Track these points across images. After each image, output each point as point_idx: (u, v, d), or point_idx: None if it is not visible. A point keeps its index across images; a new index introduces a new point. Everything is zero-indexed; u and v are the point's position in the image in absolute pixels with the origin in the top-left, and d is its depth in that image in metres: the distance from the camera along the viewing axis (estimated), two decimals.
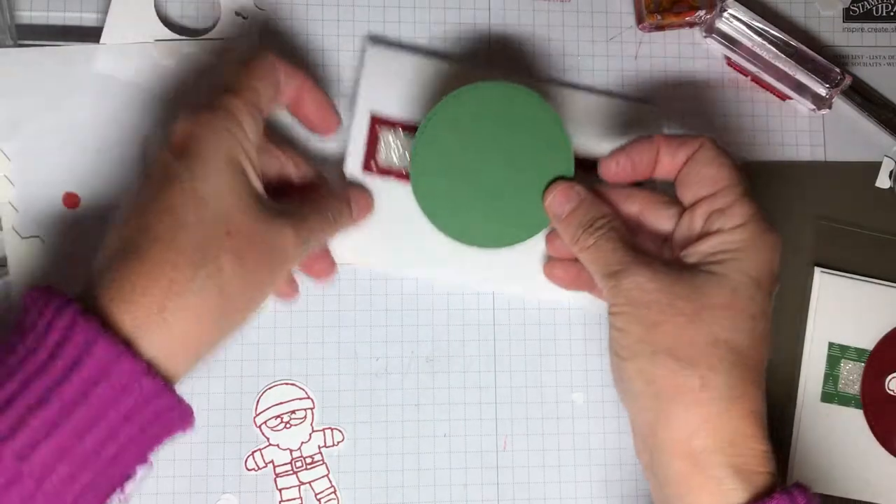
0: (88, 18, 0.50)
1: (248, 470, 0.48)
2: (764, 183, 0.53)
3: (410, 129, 0.49)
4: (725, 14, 0.52)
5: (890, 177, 0.53)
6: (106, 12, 0.49)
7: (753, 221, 0.41)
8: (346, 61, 0.51)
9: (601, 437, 0.50)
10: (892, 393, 0.51)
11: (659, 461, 0.40)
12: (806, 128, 0.54)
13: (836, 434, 0.51)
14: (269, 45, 0.50)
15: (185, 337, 0.37)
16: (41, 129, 0.48)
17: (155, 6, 0.50)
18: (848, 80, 0.52)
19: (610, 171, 0.44)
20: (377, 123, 0.49)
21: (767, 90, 0.53)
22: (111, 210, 0.48)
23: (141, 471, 0.38)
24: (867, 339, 0.51)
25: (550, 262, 0.49)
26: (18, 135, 0.48)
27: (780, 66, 0.52)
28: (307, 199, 0.45)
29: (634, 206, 0.46)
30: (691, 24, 0.53)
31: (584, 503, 0.50)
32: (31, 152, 0.48)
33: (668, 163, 0.44)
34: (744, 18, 0.52)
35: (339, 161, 0.50)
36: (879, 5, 0.55)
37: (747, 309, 0.40)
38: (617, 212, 0.45)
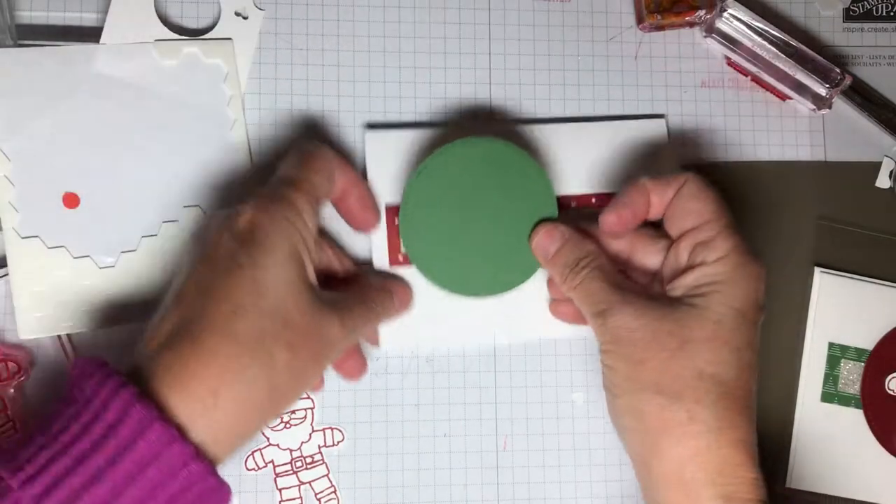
0: (88, 18, 0.50)
1: (248, 470, 0.48)
2: (764, 183, 0.53)
3: None
4: (725, 14, 0.52)
5: (890, 177, 0.53)
6: (106, 12, 0.49)
7: (735, 253, 0.42)
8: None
9: (601, 437, 0.50)
10: (892, 393, 0.51)
11: (653, 490, 0.42)
12: (806, 128, 0.54)
13: (836, 434, 0.51)
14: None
15: (232, 424, 0.38)
16: (41, 129, 0.48)
17: (155, 6, 0.50)
18: (848, 80, 0.52)
19: (612, 224, 0.45)
20: (394, 215, 0.49)
21: (767, 90, 0.54)
22: (111, 211, 0.48)
23: None
24: (867, 339, 0.51)
25: (554, 301, 0.50)
26: (18, 135, 0.48)
27: (780, 66, 0.52)
28: (351, 290, 0.46)
29: (623, 242, 0.47)
30: (691, 24, 0.53)
31: (584, 503, 0.50)
32: (30, 152, 0.48)
33: (657, 202, 0.45)
34: (744, 18, 0.52)
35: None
36: (879, 5, 0.55)
37: (731, 341, 0.41)
38: (604, 248, 0.46)
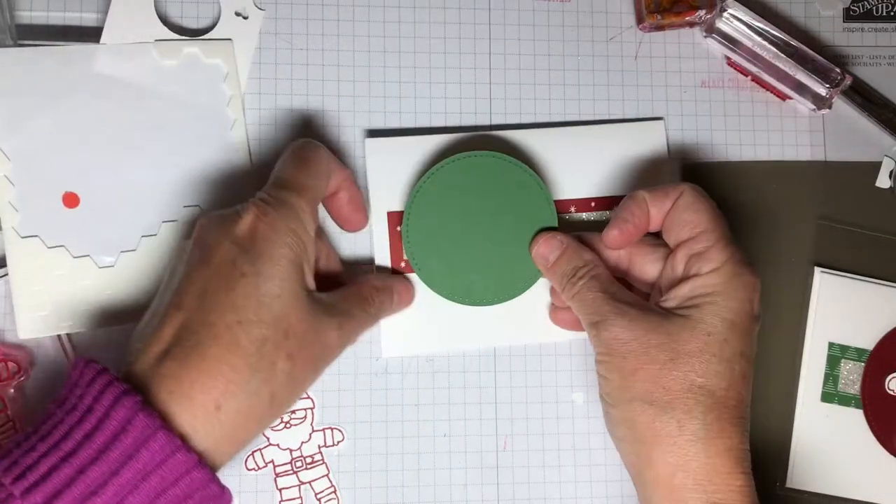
0: (88, 18, 0.50)
1: (248, 470, 0.48)
2: (764, 183, 0.53)
3: None
4: (725, 14, 0.52)
5: (890, 177, 0.53)
6: (106, 12, 0.49)
7: (729, 265, 0.43)
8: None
9: (601, 437, 0.50)
10: (892, 393, 0.51)
11: (646, 496, 0.43)
12: (806, 128, 0.54)
13: (836, 434, 0.51)
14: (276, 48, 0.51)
15: (233, 433, 0.39)
16: (41, 128, 0.48)
17: (155, 6, 0.50)
18: (848, 80, 0.52)
19: (615, 239, 0.45)
20: (395, 222, 0.50)
21: (767, 90, 0.53)
22: (111, 211, 0.48)
23: None
24: (867, 339, 0.51)
25: (554, 308, 0.50)
26: (18, 134, 0.48)
27: (780, 66, 0.52)
28: (351, 291, 0.46)
29: (622, 251, 0.47)
30: (691, 24, 0.53)
31: (584, 503, 0.50)
32: (30, 152, 0.48)
33: (656, 214, 0.45)
34: (744, 18, 0.52)
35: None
36: (879, 5, 0.55)
37: (721, 353, 0.42)
38: (603, 257, 0.46)
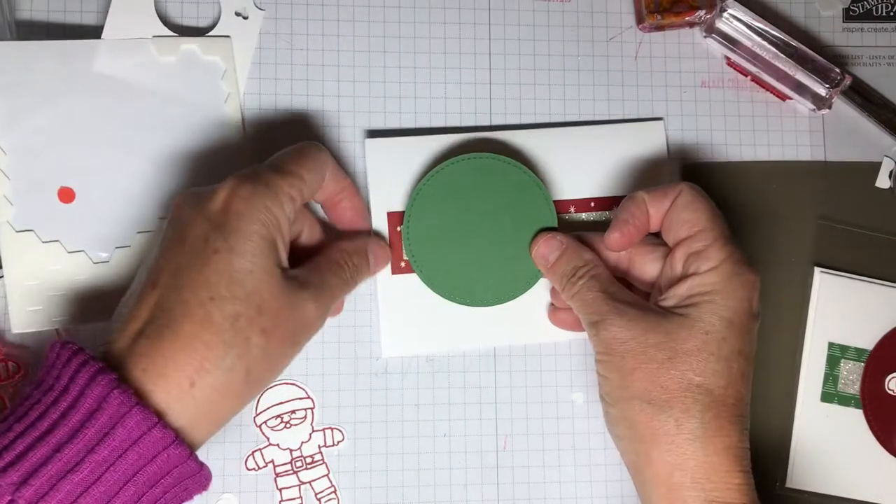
0: (89, 18, 0.50)
1: (248, 470, 0.48)
2: (764, 183, 0.53)
3: None
4: (725, 14, 0.52)
5: (890, 177, 0.53)
6: (106, 12, 0.49)
7: (728, 263, 0.43)
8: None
9: (601, 437, 0.50)
10: (891, 393, 0.51)
11: (645, 494, 0.43)
12: (806, 128, 0.54)
13: (835, 434, 0.51)
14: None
15: (210, 409, 0.39)
16: (38, 123, 0.48)
17: (155, 6, 0.50)
18: (848, 80, 0.52)
19: (616, 241, 0.46)
20: (396, 223, 0.50)
21: (767, 90, 0.54)
22: (106, 206, 0.48)
23: None
24: (867, 339, 0.51)
25: (553, 308, 0.50)
26: (15, 129, 0.48)
27: (780, 66, 0.52)
28: (324, 259, 0.45)
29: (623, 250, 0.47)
30: (691, 24, 0.53)
31: (584, 503, 0.50)
32: (27, 147, 0.48)
33: (655, 214, 0.46)
34: (744, 18, 0.52)
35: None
36: (879, 5, 0.55)
37: (719, 351, 0.42)
38: (603, 257, 0.47)
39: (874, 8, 0.55)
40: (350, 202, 0.48)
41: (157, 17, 0.50)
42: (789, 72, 0.52)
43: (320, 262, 0.45)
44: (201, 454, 0.39)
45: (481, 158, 0.48)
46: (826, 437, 0.51)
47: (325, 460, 0.49)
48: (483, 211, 0.48)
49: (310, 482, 0.48)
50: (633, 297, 0.45)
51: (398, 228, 0.49)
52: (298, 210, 0.43)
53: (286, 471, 0.48)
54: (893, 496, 0.51)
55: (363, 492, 0.49)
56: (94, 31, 0.49)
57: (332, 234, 0.49)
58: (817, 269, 0.52)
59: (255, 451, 0.48)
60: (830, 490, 0.50)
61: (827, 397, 0.51)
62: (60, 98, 0.48)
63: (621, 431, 0.44)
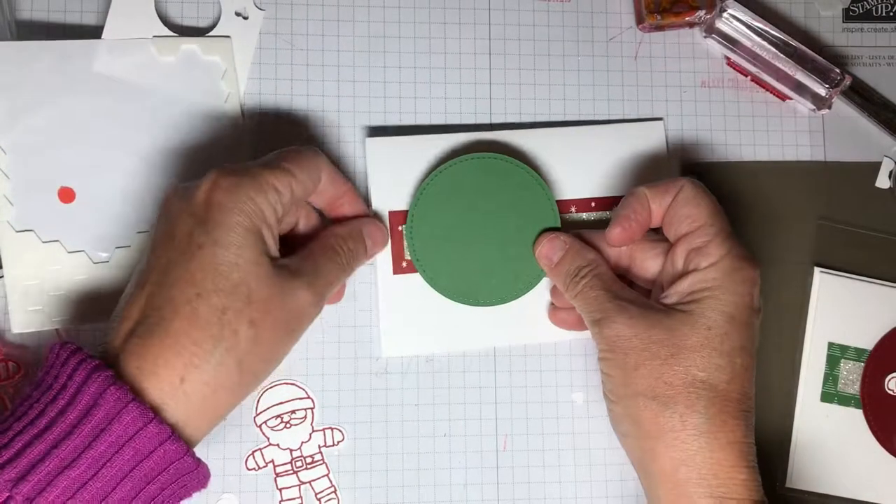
0: (89, 18, 0.50)
1: (249, 469, 0.48)
2: (764, 183, 0.53)
3: None
4: (725, 14, 0.52)
5: (890, 177, 0.53)
6: (106, 12, 0.49)
7: (728, 259, 0.43)
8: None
9: (601, 437, 0.50)
10: (891, 393, 0.51)
11: (651, 490, 0.44)
12: (806, 128, 0.54)
13: (835, 434, 0.51)
14: (269, 41, 0.51)
15: (203, 405, 0.39)
16: (38, 123, 0.48)
17: (155, 6, 0.50)
18: (848, 80, 0.52)
19: (618, 237, 0.46)
20: (397, 222, 0.50)
21: (767, 90, 0.54)
22: (106, 206, 0.48)
23: None
24: (867, 339, 0.51)
25: (553, 308, 0.50)
26: (15, 128, 0.48)
27: (780, 66, 0.52)
28: (318, 245, 0.45)
29: (623, 248, 0.47)
30: (691, 24, 0.53)
31: (584, 503, 0.50)
32: (27, 146, 0.48)
33: (657, 210, 0.46)
34: (744, 18, 0.52)
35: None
36: (879, 5, 0.55)
37: (721, 347, 0.42)
38: (605, 256, 0.47)
39: (874, 8, 0.55)
40: (351, 207, 0.47)
41: (157, 17, 0.50)
42: (789, 72, 0.52)
43: (314, 249, 0.44)
44: (201, 454, 0.40)
45: (485, 158, 0.48)
46: (826, 437, 0.51)
47: (325, 460, 0.49)
48: (487, 211, 0.48)
49: (310, 482, 0.48)
50: (636, 294, 0.45)
51: (399, 228, 0.49)
52: (288, 203, 0.42)
53: (286, 471, 0.48)
54: (893, 496, 0.51)
55: (363, 492, 0.49)
56: (94, 31, 0.49)
57: (330, 223, 0.48)
58: (817, 269, 0.52)
59: (255, 451, 0.48)
60: (830, 490, 0.50)
61: (827, 397, 0.51)
62: (60, 98, 0.48)
63: (626, 428, 0.44)
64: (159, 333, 0.38)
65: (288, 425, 0.49)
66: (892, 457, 0.51)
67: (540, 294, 0.50)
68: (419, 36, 0.52)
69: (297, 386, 0.49)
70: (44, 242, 0.48)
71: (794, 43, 0.52)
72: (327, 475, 0.49)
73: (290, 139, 0.50)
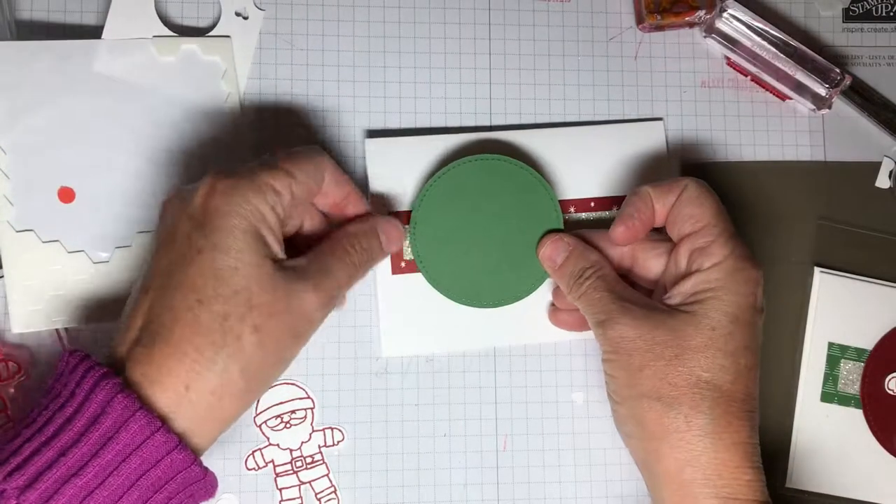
0: (89, 18, 0.50)
1: (248, 469, 0.48)
2: (764, 183, 0.53)
3: None
4: (725, 14, 0.52)
5: (890, 177, 0.53)
6: (106, 12, 0.49)
7: (731, 259, 0.43)
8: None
9: (601, 437, 0.50)
10: (891, 393, 0.51)
11: (656, 491, 0.44)
12: (806, 128, 0.54)
13: (835, 434, 0.51)
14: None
15: (209, 413, 0.38)
16: (38, 123, 0.48)
17: (155, 6, 0.50)
18: (848, 80, 0.52)
19: (622, 235, 0.46)
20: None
21: (767, 90, 0.54)
22: (106, 206, 0.48)
23: None
24: (867, 339, 0.51)
25: (554, 309, 0.50)
26: (15, 128, 0.48)
27: (780, 66, 0.52)
28: (329, 243, 0.44)
29: (626, 248, 0.47)
30: (691, 24, 0.53)
31: (584, 503, 0.50)
32: (27, 146, 0.48)
33: (660, 209, 0.46)
34: (744, 18, 0.52)
35: None
36: (879, 5, 0.55)
37: (725, 347, 0.42)
38: (608, 256, 0.47)
39: (874, 8, 0.55)
40: (355, 208, 0.46)
41: (157, 17, 0.50)
42: (789, 72, 0.52)
43: (323, 249, 0.43)
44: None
45: (488, 160, 0.48)
46: (826, 437, 0.51)
47: (325, 460, 0.49)
48: (490, 213, 0.48)
49: (310, 482, 0.48)
50: (639, 296, 0.45)
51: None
52: (288, 205, 0.41)
53: (286, 471, 0.48)
54: (893, 496, 0.51)
55: (363, 492, 0.49)
56: (94, 31, 0.49)
57: (336, 227, 0.47)
58: (817, 269, 0.52)
59: (255, 450, 0.48)
60: (830, 490, 0.50)
61: (827, 397, 0.51)
62: (60, 98, 0.48)
63: (630, 429, 0.44)
64: (160, 342, 0.38)
65: (288, 425, 0.49)
66: (892, 457, 0.51)
67: (540, 294, 0.50)
68: (419, 36, 0.52)
69: (297, 386, 0.49)
70: (44, 242, 0.48)
71: (794, 43, 0.52)
72: (327, 475, 0.49)
73: (290, 139, 0.50)
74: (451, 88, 0.52)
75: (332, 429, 0.49)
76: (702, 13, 0.52)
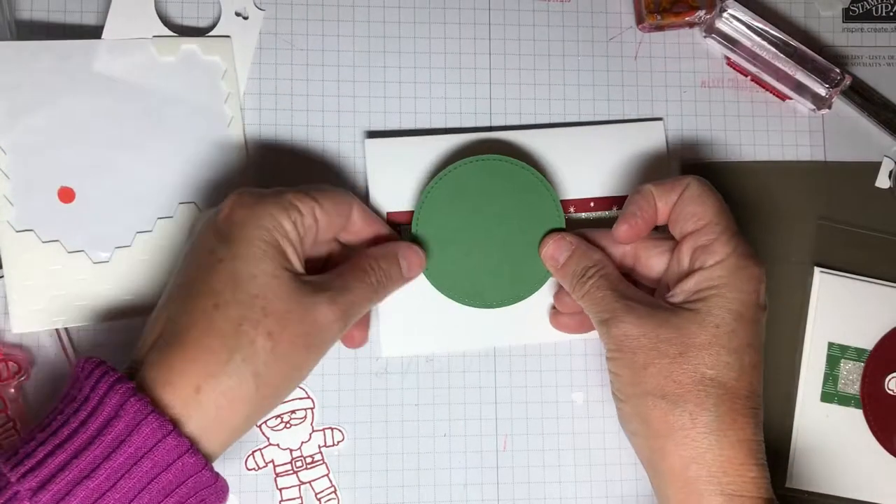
0: (89, 18, 0.50)
1: (248, 470, 0.48)
2: (764, 183, 0.53)
3: None
4: (725, 14, 0.52)
5: (890, 177, 0.53)
6: (106, 12, 0.49)
7: (734, 257, 0.43)
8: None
9: (601, 437, 0.50)
10: (891, 393, 0.51)
11: (661, 489, 0.43)
12: (806, 128, 0.54)
13: (835, 434, 0.51)
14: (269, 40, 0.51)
15: (219, 415, 0.39)
16: (38, 123, 0.48)
17: (155, 6, 0.50)
18: (847, 80, 0.52)
19: (624, 234, 0.46)
20: (396, 223, 0.50)
21: (767, 90, 0.54)
22: (106, 206, 0.48)
23: None
24: (867, 339, 0.51)
25: (555, 312, 0.50)
26: (15, 128, 0.48)
27: (780, 66, 0.52)
28: (350, 263, 0.45)
29: (628, 247, 0.47)
30: (691, 24, 0.53)
31: (584, 503, 0.50)
32: (27, 146, 0.48)
33: (663, 207, 0.46)
34: (744, 18, 0.52)
35: None
36: (879, 5, 0.55)
37: (729, 344, 0.42)
38: (610, 255, 0.47)
39: (874, 8, 0.55)
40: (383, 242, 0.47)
41: (157, 17, 0.50)
42: (789, 72, 0.52)
43: (344, 268, 0.44)
44: None
45: (490, 160, 0.48)
46: (826, 437, 0.51)
47: (325, 460, 0.49)
48: (491, 213, 0.48)
49: (310, 482, 0.48)
50: (643, 294, 0.45)
51: (399, 228, 0.49)
52: (311, 225, 0.42)
53: (286, 471, 0.48)
54: (893, 496, 0.51)
55: (363, 492, 0.49)
56: (94, 31, 0.49)
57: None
58: (817, 269, 0.52)
59: (255, 450, 0.48)
60: (830, 490, 0.50)
61: (827, 397, 0.51)
62: (60, 98, 0.48)
63: (635, 427, 0.44)
64: (176, 345, 0.38)
65: (288, 425, 0.49)
66: (892, 457, 0.51)
67: (540, 295, 0.50)
68: (419, 36, 0.52)
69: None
70: (44, 242, 0.48)
71: (794, 43, 0.52)
72: (327, 475, 0.49)
73: (290, 139, 0.50)
74: (451, 88, 0.52)
75: (332, 429, 0.49)
76: (702, 13, 0.52)
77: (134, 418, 0.36)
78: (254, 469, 0.48)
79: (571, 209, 0.51)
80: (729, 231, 0.44)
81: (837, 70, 0.52)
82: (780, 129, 0.54)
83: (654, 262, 0.47)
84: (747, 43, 0.52)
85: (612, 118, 0.53)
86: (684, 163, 0.53)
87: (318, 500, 0.48)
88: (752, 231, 0.52)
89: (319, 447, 0.49)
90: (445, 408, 0.50)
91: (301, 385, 0.49)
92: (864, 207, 0.53)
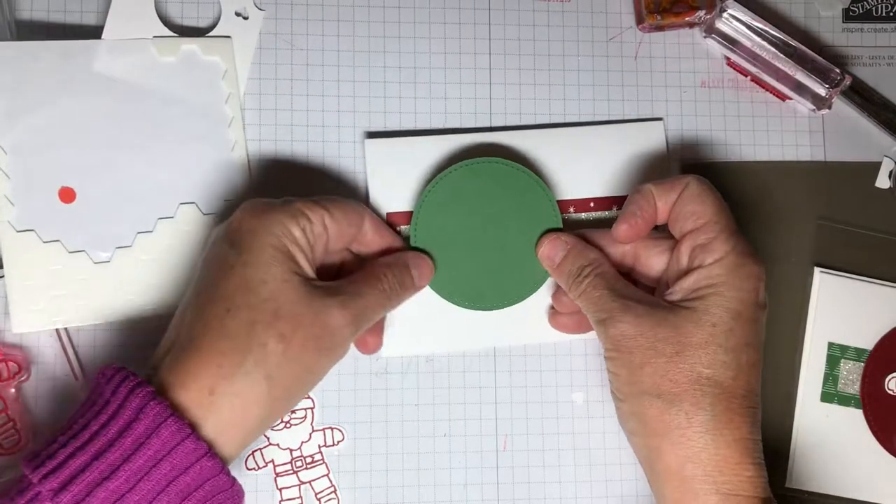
0: (89, 18, 0.50)
1: (248, 469, 0.48)
2: (764, 183, 0.53)
3: None
4: (725, 14, 0.52)
5: (890, 177, 0.53)
6: (106, 12, 0.49)
7: (733, 255, 0.43)
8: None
9: (601, 437, 0.50)
10: (891, 393, 0.51)
11: (657, 488, 0.44)
12: (806, 128, 0.54)
13: (835, 434, 0.51)
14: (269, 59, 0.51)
15: (233, 417, 0.39)
16: (38, 123, 0.48)
17: (155, 6, 0.50)
18: (847, 81, 0.52)
19: (624, 233, 0.46)
20: (396, 224, 0.50)
21: (767, 90, 0.54)
22: (106, 206, 0.48)
23: None
24: (867, 339, 0.51)
25: (553, 312, 0.50)
26: (16, 128, 0.48)
27: (780, 66, 0.52)
28: (363, 270, 0.45)
29: (627, 246, 0.47)
30: (691, 24, 0.53)
31: (584, 503, 0.50)
32: (27, 146, 0.48)
33: (662, 206, 0.46)
34: (744, 18, 0.52)
35: None
36: (879, 5, 0.55)
37: (727, 343, 0.42)
38: (609, 255, 0.47)
39: (874, 8, 0.55)
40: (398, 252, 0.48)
41: (157, 18, 0.50)
42: (789, 72, 0.52)
43: (357, 275, 0.45)
44: None
45: (486, 163, 0.48)
46: (826, 437, 0.51)
47: (325, 460, 0.49)
48: (489, 215, 0.48)
49: (310, 482, 0.48)
50: (640, 292, 0.45)
51: (398, 229, 0.49)
52: (320, 233, 0.43)
53: (286, 471, 0.48)
54: (893, 496, 0.51)
55: (363, 492, 0.49)
56: (94, 31, 0.49)
57: None
58: (817, 269, 0.52)
59: (255, 450, 0.48)
60: (830, 490, 0.50)
61: (827, 397, 0.51)
62: (60, 98, 0.48)
63: (632, 427, 0.44)
64: (190, 349, 0.39)
65: (288, 425, 0.49)
66: (892, 457, 0.51)
67: (540, 295, 0.50)
68: (419, 36, 0.52)
69: None
70: (44, 242, 0.48)
71: (794, 43, 0.52)
72: (327, 475, 0.49)
73: (290, 139, 0.50)
74: (451, 88, 0.52)
75: (332, 429, 0.49)
76: (702, 13, 0.52)
77: (153, 421, 0.37)
78: (254, 469, 0.48)
79: (571, 209, 0.51)
80: (728, 230, 0.44)
81: (837, 70, 0.52)
82: (780, 129, 0.54)
83: (653, 262, 0.47)
84: (747, 43, 0.52)
85: (612, 118, 0.53)
86: (684, 163, 0.53)
87: (318, 500, 0.48)
88: (751, 231, 0.52)
89: (319, 447, 0.49)
90: (445, 408, 0.50)
91: None
92: (864, 207, 0.53)
